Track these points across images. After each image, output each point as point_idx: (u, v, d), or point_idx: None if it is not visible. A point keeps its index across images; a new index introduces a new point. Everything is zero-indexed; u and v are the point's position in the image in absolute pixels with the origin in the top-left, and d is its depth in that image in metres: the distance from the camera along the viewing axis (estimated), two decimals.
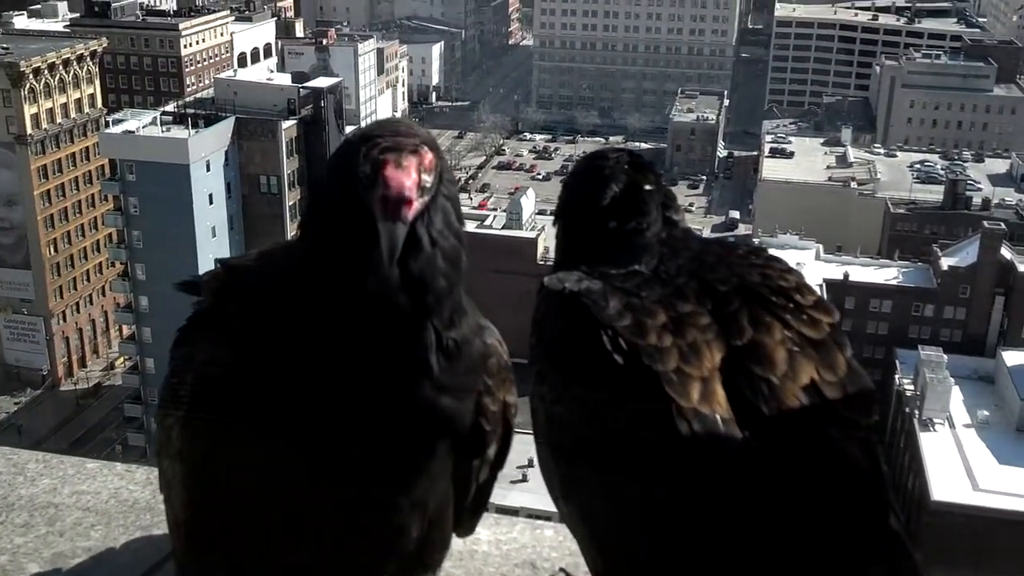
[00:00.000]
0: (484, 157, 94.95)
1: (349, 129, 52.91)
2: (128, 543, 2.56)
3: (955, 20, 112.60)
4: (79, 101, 65.70)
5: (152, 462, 2.44)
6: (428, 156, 1.70)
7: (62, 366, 62.79)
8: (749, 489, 1.68)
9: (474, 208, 69.07)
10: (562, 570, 2.43)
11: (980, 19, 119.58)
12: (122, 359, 61.04)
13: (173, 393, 1.90)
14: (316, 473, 1.75)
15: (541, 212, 58.47)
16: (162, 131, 55.19)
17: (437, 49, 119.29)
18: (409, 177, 1.66)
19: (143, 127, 55.61)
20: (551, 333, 1.91)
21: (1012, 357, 43.35)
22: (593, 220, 2.01)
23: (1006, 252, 50.52)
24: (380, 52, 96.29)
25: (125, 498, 2.75)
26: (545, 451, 1.91)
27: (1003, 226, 51.96)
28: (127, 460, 3.04)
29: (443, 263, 1.73)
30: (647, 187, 2.03)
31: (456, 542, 2.12)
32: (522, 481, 29.44)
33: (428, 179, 1.70)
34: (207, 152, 54.34)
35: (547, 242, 50.92)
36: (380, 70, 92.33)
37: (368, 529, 1.84)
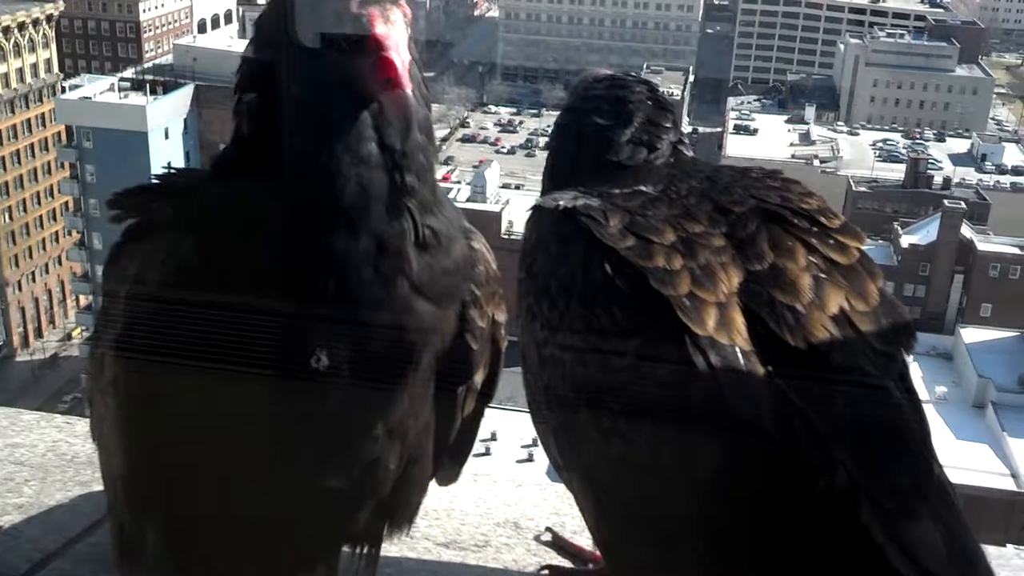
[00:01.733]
0: (448, 130, 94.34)
1: None
2: (64, 500, 2.35)
3: (919, 0, 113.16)
4: (35, 66, 64.34)
5: None
6: (406, 6, 1.46)
7: (18, 337, 61.67)
8: (775, 431, 1.45)
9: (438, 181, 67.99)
10: (548, 529, 2.24)
11: None
12: (79, 329, 60.19)
13: (105, 315, 1.59)
14: (274, 394, 1.44)
15: (505, 186, 58.05)
16: (120, 97, 54.33)
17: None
18: (402, 34, 1.43)
19: (100, 93, 54.64)
20: (543, 260, 1.68)
21: (970, 334, 43.76)
22: (596, 146, 1.81)
23: (966, 231, 50.99)
24: None
25: (64, 452, 2.53)
26: (539, 402, 1.69)
27: (963, 205, 52.44)
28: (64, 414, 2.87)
29: (420, 135, 1.49)
30: (660, 115, 1.85)
31: (433, 501, 1.93)
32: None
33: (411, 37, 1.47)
34: (166, 119, 53.55)
35: (511, 216, 50.62)
36: None
37: (338, 462, 1.54)
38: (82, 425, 2.64)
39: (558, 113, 2.04)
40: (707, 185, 1.73)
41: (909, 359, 1.64)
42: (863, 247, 1.68)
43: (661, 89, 1.98)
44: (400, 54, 1.43)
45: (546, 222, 1.70)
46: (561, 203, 1.68)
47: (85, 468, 2.45)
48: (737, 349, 1.50)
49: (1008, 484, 33.53)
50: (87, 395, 1.79)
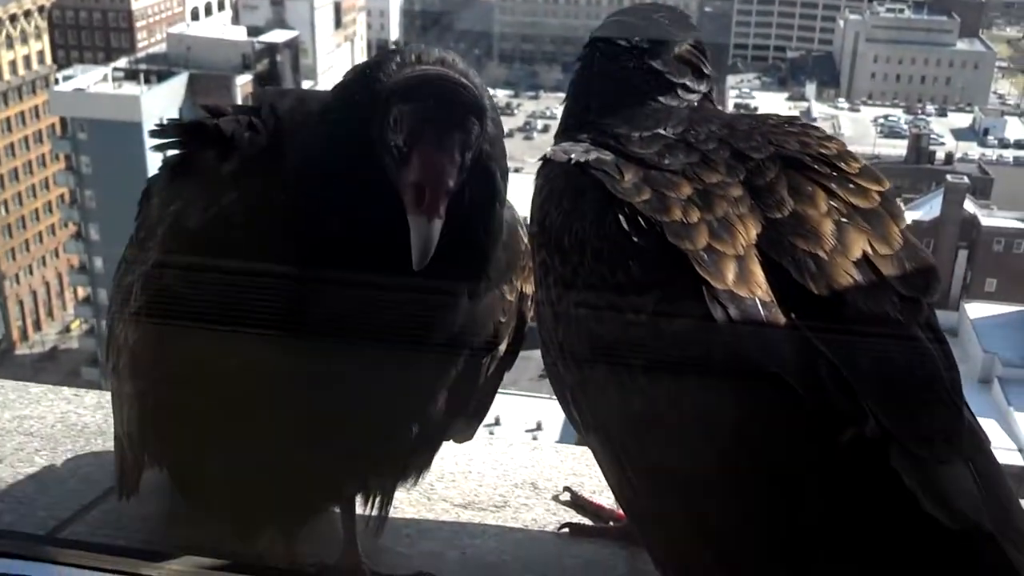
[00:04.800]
0: None
1: (306, 85, 52.44)
2: (77, 469, 2.34)
3: None
4: (27, 58, 64.22)
5: (103, 387, 2.29)
6: (476, 129, 1.45)
7: (17, 330, 61.85)
8: (801, 384, 1.42)
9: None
10: (567, 489, 2.24)
11: None
12: (77, 322, 60.25)
13: (138, 248, 1.58)
14: (319, 355, 1.47)
15: None
16: (114, 88, 54.52)
17: (396, 2, 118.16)
18: (452, 162, 1.41)
19: (94, 84, 54.76)
20: (555, 215, 1.65)
21: (975, 309, 43.56)
22: (622, 73, 1.76)
23: (969, 206, 50.83)
24: (337, 6, 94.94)
25: (73, 422, 2.52)
26: (556, 362, 1.65)
27: (966, 180, 52.28)
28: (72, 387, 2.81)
29: (483, 235, 1.52)
30: (687, 49, 1.78)
31: (450, 463, 2.02)
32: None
33: (470, 156, 1.45)
34: (160, 109, 53.42)
35: (511, 199, 50.62)
36: (338, 24, 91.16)
37: (362, 422, 1.59)
38: (91, 397, 2.65)
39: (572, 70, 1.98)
40: (726, 132, 1.70)
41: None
42: (884, 189, 1.64)
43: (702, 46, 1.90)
44: (442, 184, 1.41)
45: (558, 175, 1.67)
46: (573, 156, 1.65)
47: (96, 438, 2.45)
48: (757, 300, 1.47)
49: (1016, 459, 33.29)
50: (108, 323, 1.73)
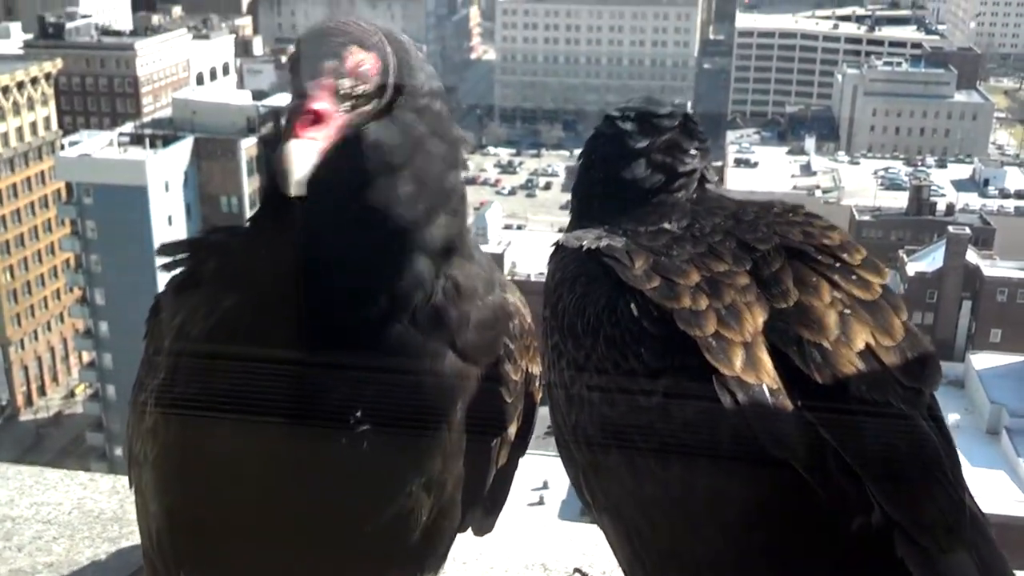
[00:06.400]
0: None
1: None
2: (94, 557, 2.37)
3: (915, 28, 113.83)
4: (34, 124, 64.83)
5: (117, 470, 2.33)
6: (354, 57, 1.42)
7: (21, 395, 61.67)
8: (806, 468, 1.45)
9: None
10: (577, 570, 2.25)
11: (940, 26, 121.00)
12: (82, 386, 60.09)
13: (148, 365, 1.62)
14: (307, 446, 1.50)
15: (508, 226, 58.08)
16: (120, 152, 54.73)
17: None
18: (312, 87, 1.40)
19: (100, 149, 55.04)
20: (568, 300, 1.70)
21: (980, 360, 43.42)
22: (625, 171, 1.78)
23: (972, 257, 50.76)
24: None
25: (90, 509, 2.57)
26: (568, 444, 1.69)
27: (968, 230, 52.28)
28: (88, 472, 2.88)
29: (407, 186, 1.45)
30: (693, 145, 1.81)
31: (459, 542, 1.90)
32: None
33: (355, 84, 1.41)
34: (166, 173, 53.80)
35: (514, 257, 50.56)
36: None
37: (372, 513, 1.59)
38: (106, 481, 2.69)
39: (579, 149, 2.02)
40: (731, 223, 1.74)
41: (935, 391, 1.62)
42: (885, 281, 1.69)
43: (695, 119, 1.94)
44: (307, 106, 1.38)
45: (571, 262, 1.72)
46: (585, 243, 1.70)
47: (112, 524, 2.49)
48: (765, 388, 1.50)
49: None
50: (127, 441, 1.78)
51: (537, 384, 1.80)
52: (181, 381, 1.57)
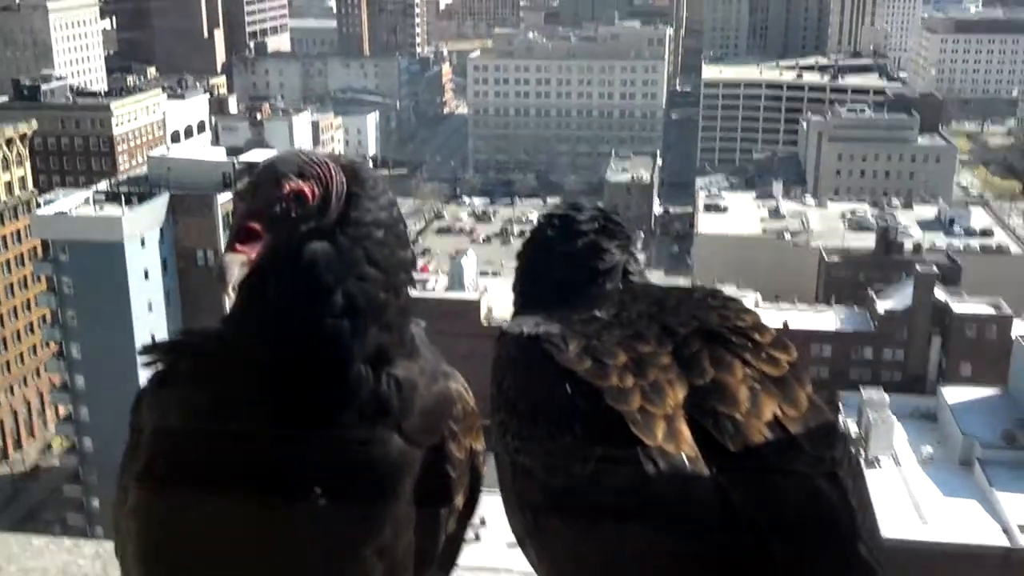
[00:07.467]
0: (424, 222, 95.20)
1: None
2: None
3: (877, 75, 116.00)
4: (9, 184, 64.82)
5: (99, 535, 2.39)
6: (290, 185, 1.65)
7: None
8: (719, 528, 1.66)
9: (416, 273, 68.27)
10: None
11: (901, 73, 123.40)
12: (59, 439, 59.47)
13: (130, 451, 1.87)
14: (271, 520, 1.70)
15: (484, 273, 58.40)
16: (95, 210, 54.30)
17: (372, 120, 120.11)
18: (250, 210, 1.63)
19: (76, 207, 54.65)
20: (511, 380, 1.90)
21: (951, 394, 43.88)
22: (555, 271, 2.06)
23: (940, 294, 51.43)
24: (315, 124, 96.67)
25: (74, 573, 2.71)
26: (513, 504, 1.88)
27: (935, 269, 52.93)
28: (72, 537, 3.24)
29: (336, 302, 1.67)
30: (613, 244, 2.09)
31: None
32: (474, 540, 28.55)
33: (288, 209, 1.64)
34: (142, 229, 53.54)
35: (490, 303, 50.75)
36: (316, 141, 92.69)
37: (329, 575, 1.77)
38: (89, 547, 2.82)
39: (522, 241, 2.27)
40: (655, 309, 1.94)
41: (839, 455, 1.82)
42: (792, 359, 1.89)
43: (615, 215, 2.20)
44: (240, 224, 1.62)
45: (513, 347, 1.91)
46: (525, 329, 1.90)
47: None
48: (684, 456, 1.69)
49: (1001, 540, 33.35)
50: (112, 517, 1.99)
51: (481, 459, 1.95)
52: (159, 467, 1.77)
